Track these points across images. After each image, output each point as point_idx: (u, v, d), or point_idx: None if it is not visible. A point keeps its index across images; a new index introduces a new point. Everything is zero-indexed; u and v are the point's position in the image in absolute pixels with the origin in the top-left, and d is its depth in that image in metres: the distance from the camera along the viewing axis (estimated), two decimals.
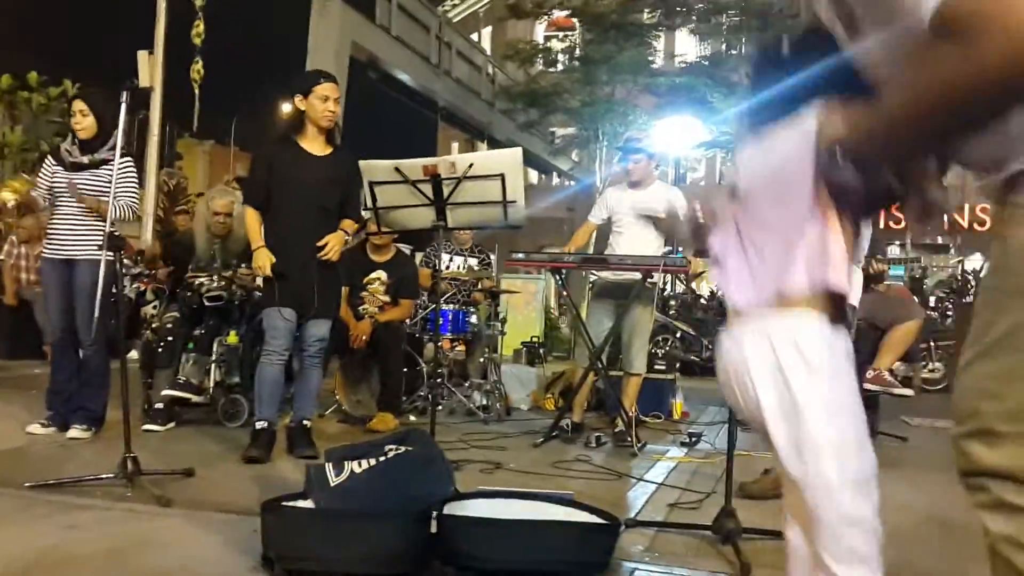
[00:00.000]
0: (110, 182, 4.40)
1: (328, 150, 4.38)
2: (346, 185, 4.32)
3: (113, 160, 4.43)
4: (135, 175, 4.55)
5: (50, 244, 4.55)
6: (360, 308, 5.55)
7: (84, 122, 4.49)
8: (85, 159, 4.47)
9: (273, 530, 2.55)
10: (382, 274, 5.65)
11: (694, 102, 14.55)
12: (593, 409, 6.18)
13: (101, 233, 4.45)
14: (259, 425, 4.26)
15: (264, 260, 4.20)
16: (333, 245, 4.28)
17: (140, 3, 10.45)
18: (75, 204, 4.46)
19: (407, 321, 6.13)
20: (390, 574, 2.51)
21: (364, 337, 5.37)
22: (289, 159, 4.29)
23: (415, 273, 5.97)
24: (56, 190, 4.51)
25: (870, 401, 5.66)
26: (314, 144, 4.35)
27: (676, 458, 4.76)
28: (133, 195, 4.50)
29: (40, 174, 4.63)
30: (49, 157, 4.67)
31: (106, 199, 4.39)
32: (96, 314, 3.88)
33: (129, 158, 4.53)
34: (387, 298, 5.68)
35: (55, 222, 4.54)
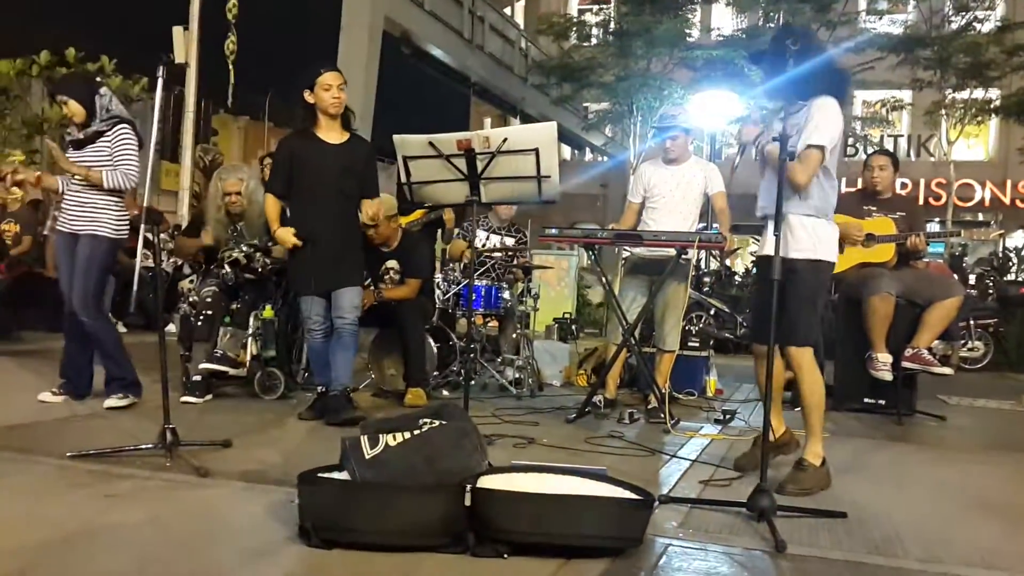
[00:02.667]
0: (110, 155, 4.47)
1: (344, 137, 4.56)
2: (363, 170, 4.56)
3: (109, 131, 4.49)
4: (132, 141, 4.52)
5: (62, 219, 4.63)
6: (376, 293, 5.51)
7: (70, 110, 4.53)
8: (81, 135, 4.53)
9: (310, 501, 2.58)
10: (394, 263, 5.65)
11: (731, 76, 14.34)
12: (626, 385, 6.17)
13: (108, 209, 4.54)
14: (320, 389, 4.66)
15: (286, 235, 4.44)
16: (374, 212, 4.64)
17: None
18: (81, 180, 4.51)
19: (440, 296, 6.14)
20: (424, 545, 2.52)
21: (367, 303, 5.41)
22: (308, 149, 4.49)
23: (425, 252, 5.94)
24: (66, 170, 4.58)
25: (908, 379, 5.60)
26: (330, 133, 4.53)
27: (710, 435, 4.74)
28: (130, 163, 4.49)
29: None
30: (64, 141, 4.75)
31: (99, 169, 4.45)
32: (105, 289, 3.91)
33: (124, 124, 4.53)
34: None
35: (66, 198, 4.61)
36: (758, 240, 4.30)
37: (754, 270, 12.38)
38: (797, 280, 3.42)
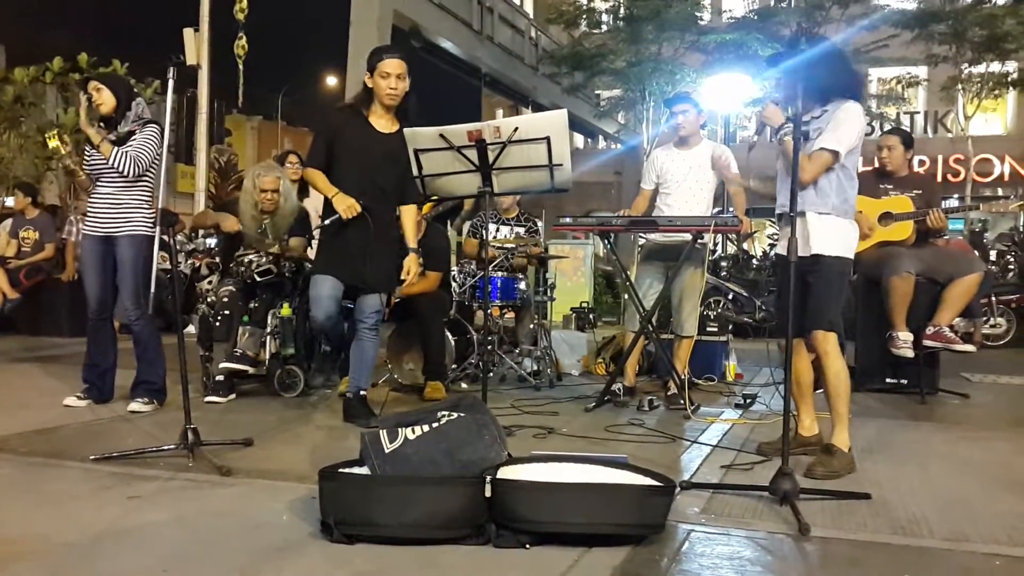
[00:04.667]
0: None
1: (394, 128, 4.32)
2: (406, 165, 4.18)
3: (140, 132, 4.51)
4: (156, 138, 4.54)
5: (90, 221, 4.64)
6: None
7: (101, 96, 4.53)
8: (112, 136, 4.53)
9: (331, 496, 2.59)
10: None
11: (743, 58, 14.23)
12: (645, 373, 6.15)
13: (141, 208, 4.56)
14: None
15: (346, 201, 4.14)
16: (413, 273, 4.39)
17: None
18: (113, 183, 4.53)
19: (456, 289, 6.14)
20: (446, 538, 2.53)
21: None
22: (354, 130, 4.27)
23: (445, 246, 5.95)
24: (94, 172, 4.59)
25: (931, 358, 5.55)
26: (380, 120, 4.32)
27: (730, 420, 4.72)
28: (141, 149, 4.49)
29: (84, 159, 4.72)
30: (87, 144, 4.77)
31: (109, 144, 4.46)
32: (152, 288, 3.92)
33: (154, 124, 4.57)
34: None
35: (94, 200, 4.62)
36: (774, 223, 4.29)
37: (772, 252, 12.33)
38: (819, 273, 3.51)
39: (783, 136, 3.51)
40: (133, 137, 4.53)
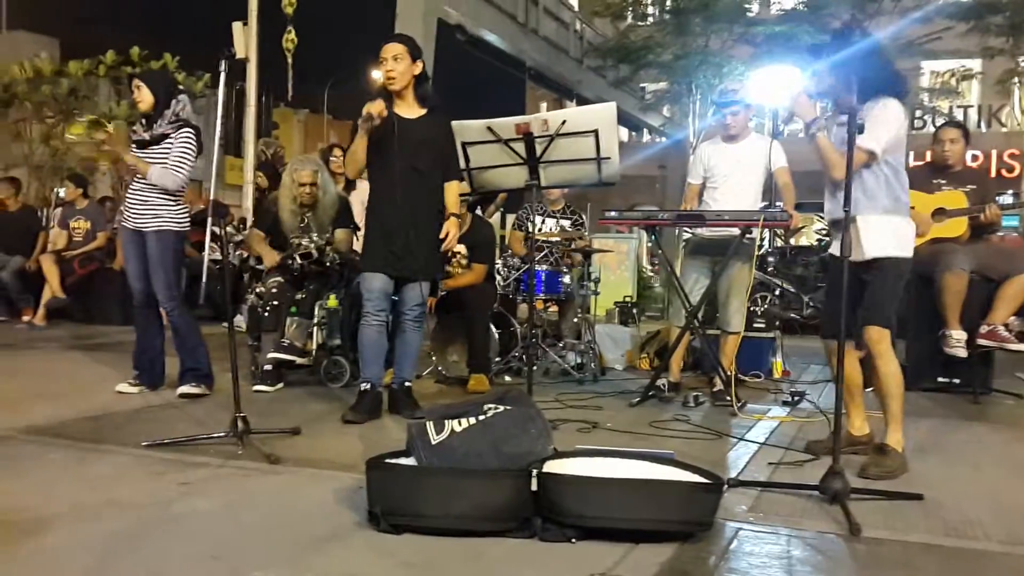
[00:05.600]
0: (169, 156, 4.59)
1: (421, 112, 4.32)
2: (442, 147, 4.21)
3: (173, 135, 4.59)
4: (192, 145, 4.64)
5: (126, 215, 4.76)
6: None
7: (140, 95, 4.66)
8: (147, 136, 4.64)
9: (378, 486, 2.60)
10: (462, 247, 5.65)
11: (793, 51, 13.99)
12: (690, 369, 6.10)
13: (168, 205, 4.64)
14: (363, 386, 4.32)
15: (373, 106, 4.12)
16: (452, 234, 4.30)
17: None
18: (143, 179, 4.62)
19: (500, 282, 6.14)
20: (492, 530, 2.53)
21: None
22: (381, 124, 4.26)
23: (491, 238, 5.95)
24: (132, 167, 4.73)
25: (984, 357, 5.43)
26: (404, 107, 4.31)
27: (778, 417, 4.67)
28: (180, 165, 4.58)
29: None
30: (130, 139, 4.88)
31: (149, 162, 4.56)
32: (203, 278, 3.99)
33: (189, 128, 4.66)
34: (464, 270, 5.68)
35: (130, 194, 4.74)
36: (822, 218, 4.22)
37: (821, 247, 12.14)
38: (876, 274, 3.45)
39: (815, 132, 3.44)
40: (167, 140, 4.61)
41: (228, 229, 8.18)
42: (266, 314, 5.19)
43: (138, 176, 4.65)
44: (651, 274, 12.82)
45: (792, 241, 12.61)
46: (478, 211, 6.37)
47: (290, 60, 11.64)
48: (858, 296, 3.47)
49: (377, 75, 4.28)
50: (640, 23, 16.93)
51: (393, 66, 4.21)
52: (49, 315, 8.43)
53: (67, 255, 8.67)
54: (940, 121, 13.79)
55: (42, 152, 12.41)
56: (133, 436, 3.66)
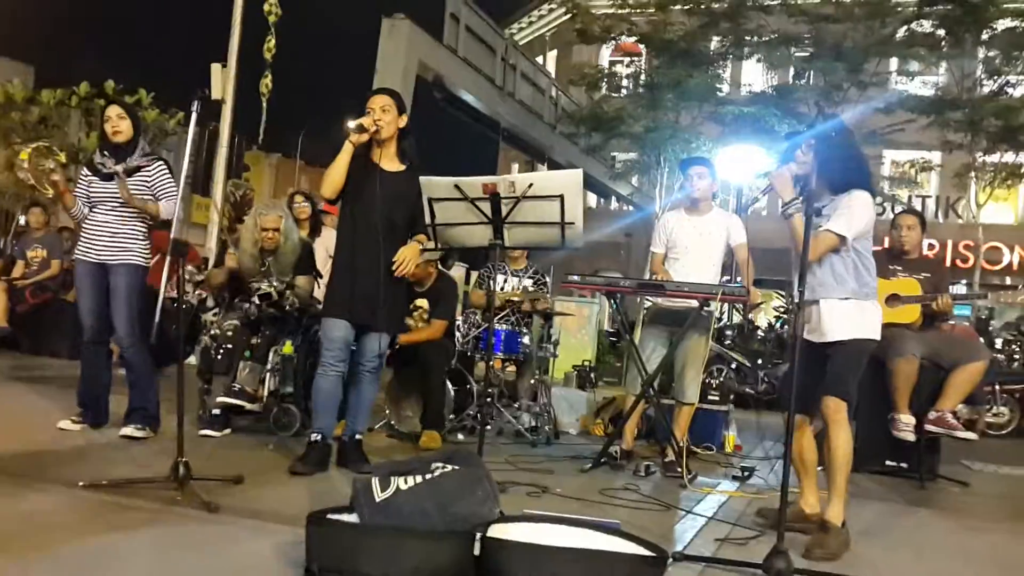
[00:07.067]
0: (148, 188, 4.55)
1: (400, 167, 4.36)
2: (415, 203, 4.23)
3: (145, 167, 4.56)
4: (171, 175, 4.63)
5: (85, 247, 4.66)
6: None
7: (122, 124, 4.60)
8: (119, 168, 4.56)
9: (317, 542, 2.55)
10: (424, 303, 5.67)
11: (760, 131, 14.38)
12: (643, 437, 6.10)
13: (138, 239, 4.61)
14: (314, 437, 4.26)
15: (366, 119, 4.20)
16: (408, 258, 4.27)
17: (215, 17, 10.73)
18: (112, 211, 4.57)
19: (459, 338, 6.13)
20: None
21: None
22: (360, 171, 4.28)
23: (452, 294, 5.96)
24: (93, 198, 4.63)
25: (931, 443, 5.49)
26: (386, 160, 4.34)
27: (727, 492, 4.66)
28: (175, 195, 4.53)
29: (77, 185, 4.74)
30: (84, 168, 4.79)
31: (151, 201, 4.53)
32: (156, 316, 3.93)
33: (162, 162, 4.64)
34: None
35: (90, 227, 4.64)
36: (782, 295, 4.29)
37: (778, 324, 12.30)
38: (840, 349, 3.58)
39: (791, 213, 3.56)
40: (141, 172, 4.59)
41: (189, 268, 8.10)
42: (219, 357, 5.11)
43: (101, 208, 4.58)
44: (611, 339, 12.86)
45: (751, 316, 12.77)
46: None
47: (264, 104, 11.69)
48: (820, 373, 3.56)
49: (354, 122, 4.28)
50: (614, 94, 17.31)
51: (381, 115, 4.26)
52: None
53: (19, 284, 8.51)
54: (899, 209, 14.17)
55: (4, 178, 12.26)
56: (71, 475, 3.55)
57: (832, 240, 3.53)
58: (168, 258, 3.72)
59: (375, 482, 2.66)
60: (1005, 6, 14.08)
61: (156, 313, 3.76)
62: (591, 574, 2.51)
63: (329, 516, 2.69)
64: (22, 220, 10.94)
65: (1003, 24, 14.26)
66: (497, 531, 2.57)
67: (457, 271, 8.42)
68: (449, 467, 2.73)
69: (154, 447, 4.39)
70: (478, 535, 2.51)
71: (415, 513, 2.57)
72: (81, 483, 3.43)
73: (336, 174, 4.24)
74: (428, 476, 2.67)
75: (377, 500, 2.61)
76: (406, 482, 2.65)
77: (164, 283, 3.83)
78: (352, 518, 2.66)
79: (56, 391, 5.94)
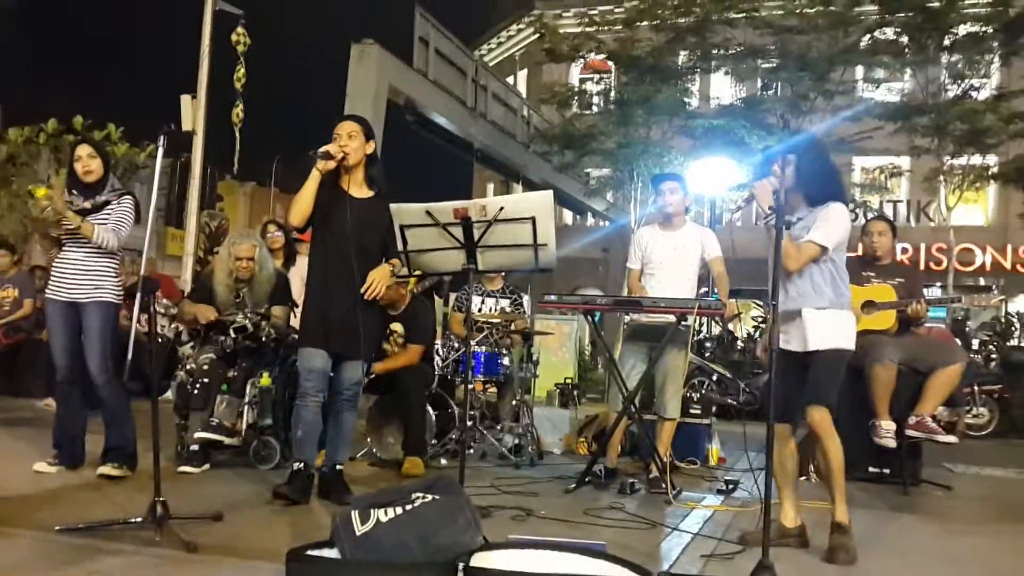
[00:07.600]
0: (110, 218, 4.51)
1: (369, 194, 4.37)
2: (386, 230, 4.24)
3: (115, 202, 4.53)
4: (132, 210, 4.59)
5: (56, 286, 4.60)
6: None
7: (92, 164, 4.58)
8: (88, 204, 4.53)
9: None
10: (399, 327, 5.65)
11: (730, 144, 14.48)
12: (627, 454, 6.09)
13: (109, 276, 4.56)
14: (296, 466, 4.24)
15: (333, 146, 4.21)
16: (378, 280, 4.26)
17: (184, 49, 10.70)
18: (82, 248, 4.52)
19: (439, 363, 6.10)
20: None
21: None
22: (329, 198, 4.26)
23: (429, 319, 5.94)
24: (63, 237, 4.58)
25: (913, 448, 5.51)
26: (354, 187, 4.34)
27: (712, 506, 4.66)
28: (121, 224, 4.52)
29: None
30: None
31: (92, 222, 4.45)
32: (128, 354, 3.89)
33: (130, 196, 4.62)
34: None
35: (61, 265, 4.60)
36: (759, 304, 4.33)
37: (756, 334, 12.34)
38: (819, 359, 3.67)
39: (768, 223, 3.58)
40: (109, 206, 4.55)
41: (164, 301, 8.03)
42: (195, 391, 5.05)
43: (71, 246, 4.53)
44: (589, 357, 12.87)
45: (731, 327, 12.81)
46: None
47: (237, 134, 11.65)
48: (800, 381, 3.65)
49: (324, 149, 4.26)
50: (585, 112, 17.39)
51: (347, 142, 4.26)
52: None
53: None
54: (871, 215, 14.30)
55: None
56: (47, 519, 3.49)
57: (814, 251, 3.62)
58: (138, 295, 3.68)
59: (355, 515, 2.63)
60: (965, 11, 14.29)
61: (128, 351, 3.71)
62: None
63: (309, 552, 2.66)
64: None
65: (964, 29, 14.48)
66: (480, 560, 2.55)
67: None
68: (429, 496, 2.71)
69: (131, 487, 4.32)
70: (460, 565, 2.48)
71: (396, 546, 2.55)
72: (57, 527, 3.37)
73: (303, 202, 4.23)
74: (408, 507, 2.65)
75: (357, 533, 2.58)
76: (386, 514, 2.62)
77: (135, 321, 3.80)
78: (333, 553, 2.63)
79: (31, 432, 5.85)
